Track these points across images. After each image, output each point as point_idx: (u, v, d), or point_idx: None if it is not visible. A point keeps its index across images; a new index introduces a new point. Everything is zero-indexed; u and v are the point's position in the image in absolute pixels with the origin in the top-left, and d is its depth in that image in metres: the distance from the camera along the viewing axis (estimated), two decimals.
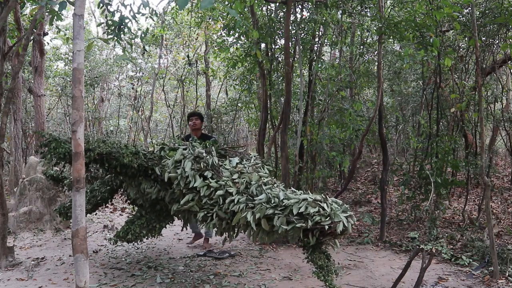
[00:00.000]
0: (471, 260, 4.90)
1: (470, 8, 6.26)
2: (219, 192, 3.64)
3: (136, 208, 5.26)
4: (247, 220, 3.37)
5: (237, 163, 4.02)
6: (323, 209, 3.15)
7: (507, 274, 4.31)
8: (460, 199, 8.50)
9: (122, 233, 4.32)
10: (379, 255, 5.44)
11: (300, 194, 3.37)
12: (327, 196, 3.31)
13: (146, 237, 4.42)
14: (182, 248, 5.87)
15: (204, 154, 3.93)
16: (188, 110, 15.24)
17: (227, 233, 3.87)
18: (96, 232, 6.84)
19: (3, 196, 4.87)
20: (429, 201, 5.97)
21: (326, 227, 3.08)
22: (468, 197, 7.62)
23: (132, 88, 15.19)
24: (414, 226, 6.75)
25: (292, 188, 3.65)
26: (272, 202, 3.35)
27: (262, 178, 3.79)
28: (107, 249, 5.69)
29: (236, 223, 3.51)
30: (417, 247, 5.02)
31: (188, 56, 8.36)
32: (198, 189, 3.73)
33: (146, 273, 4.56)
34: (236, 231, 3.75)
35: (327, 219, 3.10)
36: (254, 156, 4.36)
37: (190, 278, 4.40)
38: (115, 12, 5.29)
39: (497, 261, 4.34)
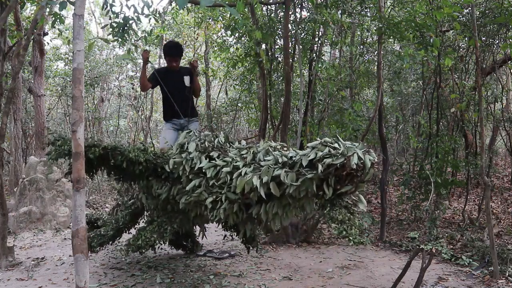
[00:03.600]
0: (471, 260, 4.90)
1: (470, 8, 6.26)
2: (226, 169, 3.30)
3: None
4: (254, 187, 2.97)
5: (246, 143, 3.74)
6: (334, 149, 2.76)
7: (507, 274, 4.31)
8: (460, 199, 8.50)
9: (132, 240, 4.13)
10: (379, 255, 5.44)
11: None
12: (338, 137, 2.94)
13: (157, 243, 4.21)
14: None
15: (210, 136, 3.72)
16: None
17: (244, 225, 3.53)
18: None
19: (3, 196, 4.88)
20: (429, 201, 5.97)
21: (339, 165, 2.68)
22: (468, 197, 7.62)
23: (132, 88, 15.18)
24: (414, 226, 6.76)
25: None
26: (280, 161, 2.99)
27: (271, 145, 3.42)
28: (107, 249, 5.69)
29: (240, 191, 3.11)
30: (417, 247, 5.02)
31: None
32: (204, 171, 3.43)
33: (146, 273, 4.56)
34: (254, 221, 3.39)
35: (340, 157, 2.69)
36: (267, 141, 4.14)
37: (190, 278, 4.40)
38: (119, 13, 5.30)
39: (497, 261, 4.34)
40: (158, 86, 4.70)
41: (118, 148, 3.64)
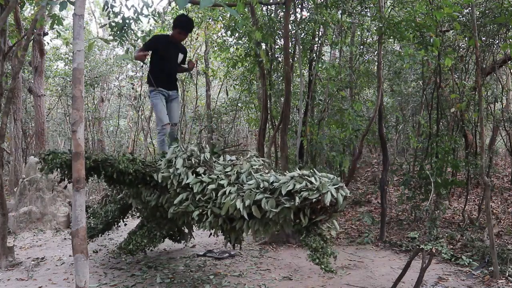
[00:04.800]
0: (471, 260, 4.90)
1: (470, 8, 6.26)
2: (211, 186, 3.49)
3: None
4: (237, 209, 3.20)
5: (231, 158, 3.91)
6: (311, 183, 2.96)
7: (507, 274, 4.31)
8: (460, 199, 8.50)
9: (124, 244, 4.34)
10: (379, 255, 5.44)
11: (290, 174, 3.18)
12: (315, 170, 3.13)
13: (148, 247, 4.41)
14: (182, 248, 5.87)
15: (196, 151, 3.85)
16: (188, 110, 15.21)
17: (229, 234, 3.73)
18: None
19: (3, 196, 4.88)
20: (429, 201, 5.97)
21: (314, 200, 2.89)
22: (468, 197, 7.62)
23: (132, 88, 15.19)
24: (414, 226, 6.75)
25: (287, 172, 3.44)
26: (261, 186, 3.19)
27: (253, 166, 3.63)
28: (107, 249, 5.69)
29: (225, 213, 3.34)
30: (417, 247, 5.02)
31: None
32: (191, 186, 3.61)
33: (146, 273, 4.56)
34: (238, 231, 3.58)
35: (315, 192, 2.90)
36: (252, 152, 4.27)
37: (190, 278, 4.40)
38: (118, 13, 5.32)
39: (497, 261, 4.34)
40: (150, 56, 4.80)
41: (108, 160, 3.75)
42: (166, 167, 3.81)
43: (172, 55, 4.82)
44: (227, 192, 3.38)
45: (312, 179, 2.98)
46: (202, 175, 3.61)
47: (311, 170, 3.11)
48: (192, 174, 3.66)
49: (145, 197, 4.15)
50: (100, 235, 5.31)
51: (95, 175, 3.93)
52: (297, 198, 2.93)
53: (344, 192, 2.98)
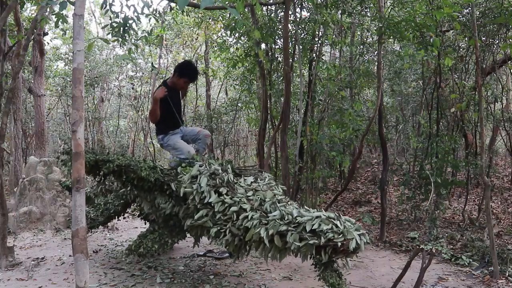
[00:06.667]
0: (471, 260, 4.90)
1: (470, 8, 6.26)
2: (233, 208, 3.62)
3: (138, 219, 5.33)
4: (260, 236, 3.38)
5: (251, 182, 4.02)
6: (336, 226, 3.15)
7: (507, 274, 4.32)
8: (460, 199, 8.50)
9: (134, 247, 4.36)
10: (379, 255, 5.45)
11: (313, 212, 3.37)
12: (340, 214, 3.31)
13: (158, 252, 4.44)
14: (182, 248, 5.86)
15: (220, 171, 3.95)
16: (187, 111, 15.22)
17: (238, 251, 3.85)
18: (96, 232, 6.84)
19: (3, 196, 4.87)
20: (429, 201, 5.97)
21: (339, 244, 3.08)
22: (468, 197, 7.62)
23: (132, 88, 15.20)
24: (414, 226, 6.76)
25: (306, 207, 3.62)
26: (285, 219, 3.36)
27: (276, 195, 3.79)
28: (107, 249, 5.69)
29: (249, 239, 3.51)
30: (417, 247, 5.02)
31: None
32: (212, 204, 3.74)
33: (146, 273, 4.56)
34: (248, 249, 3.73)
35: (340, 236, 3.10)
36: (268, 176, 4.34)
37: (190, 278, 4.41)
38: (119, 13, 5.32)
39: (497, 261, 4.35)
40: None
41: (131, 166, 3.83)
42: (190, 183, 3.91)
43: (176, 99, 4.87)
44: (249, 217, 3.52)
45: (338, 223, 3.18)
46: (225, 195, 3.75)
47: (336, 214, 3.29)
48: (215, 193, 3.78)
49: (159, 204, 4.22)
50: (98, 226, 5.42)
51: (114, 178, 4.03)
52: (322, 238, 3.12)
53: (365, 239, 3.19)
